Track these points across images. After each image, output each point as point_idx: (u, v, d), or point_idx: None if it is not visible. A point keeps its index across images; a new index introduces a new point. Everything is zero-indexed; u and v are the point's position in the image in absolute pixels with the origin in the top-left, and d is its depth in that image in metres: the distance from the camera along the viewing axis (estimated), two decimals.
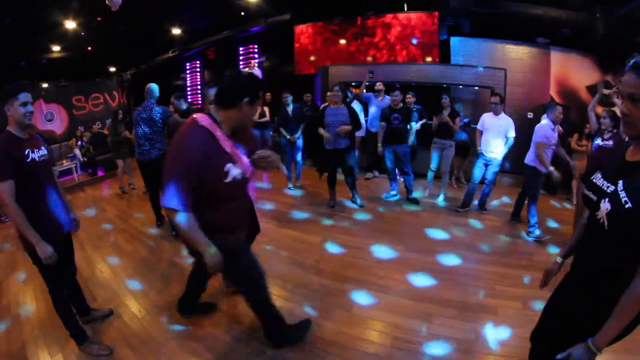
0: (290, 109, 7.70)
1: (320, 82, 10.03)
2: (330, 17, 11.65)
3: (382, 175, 8.58)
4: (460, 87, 9.38)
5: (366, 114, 8.72)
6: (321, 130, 6.44)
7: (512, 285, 4.31)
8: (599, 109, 6.16)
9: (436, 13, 10.36)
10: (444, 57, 10.24)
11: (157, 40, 14.49)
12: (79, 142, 13.03)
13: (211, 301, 3.89)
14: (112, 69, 17.31)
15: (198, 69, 15.93)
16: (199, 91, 15.95)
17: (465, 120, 7.35)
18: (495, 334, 3.42)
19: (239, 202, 2.74)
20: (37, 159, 2.91)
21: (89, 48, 14.16)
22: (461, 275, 4.56)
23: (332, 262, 4.80)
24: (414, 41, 10.59)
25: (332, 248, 5.25)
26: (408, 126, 7.05)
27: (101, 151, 11.53)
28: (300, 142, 7.83)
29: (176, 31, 13.65)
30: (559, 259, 2.20)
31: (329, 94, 6.64)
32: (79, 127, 14.39)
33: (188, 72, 16.22)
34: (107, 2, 6.28)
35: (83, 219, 6.36)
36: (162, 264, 4.88)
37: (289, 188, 8.03)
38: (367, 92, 8.59)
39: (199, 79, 15.98)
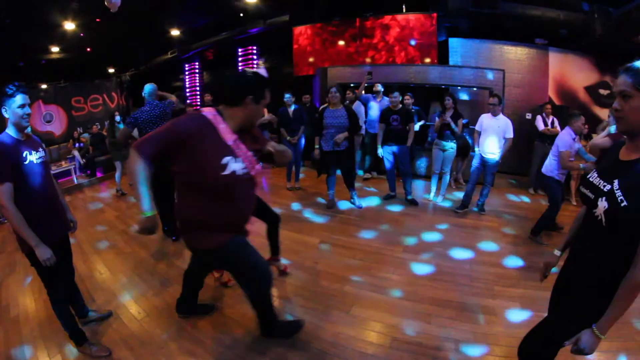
0: (291, 110, 7.70)
1: (319, 84, 10.03)
2: (328, 19, 11.67)
3: (381, 176, 8.59)
4: (459, 88, 9.39)
5: (365, 115, 8.73)
6: (316, 142, 6.51)
7: (511, 285, 4.33)
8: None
9: (434, 14, 10.39)
10: (443, 58, 10.26)
11: (156, 42, 14.54)
12: (76, 144, 13.02)
13: (211, 302, 3.90)
14: (111, 70, 17.35)
15: (197, 70, 15.97)
16: (198, 92, 15.94)
17: (464, 121, 7.36)
18: (494, 335, 3.43)
19: (243, 201, 2.71)
20: (36, 161, 2.91)
21: (88, 49, 14.18)
22: (460, 275, 4.56)
23: (331, 263, 4.80)
24: (413, 42, 10.62)
25: (330, 249, 5.26)
26: (407, 127, 7.05)
27: (100, 152, 11.53)
28: (301, 144, 7.83)
29: (175, 32, 13.68)
30: (557, 252, 2.32)
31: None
32: (77, 129, 14.40)
33: (187, 73, 16.26)
34: (106, 3, 6.26)
35: (82, 221, 6.41)
36: (161, 266, 4.88)
37: (288, 188, 8.04)
38: (365, 93, 8.60)
39: (197, 80, 16.00)
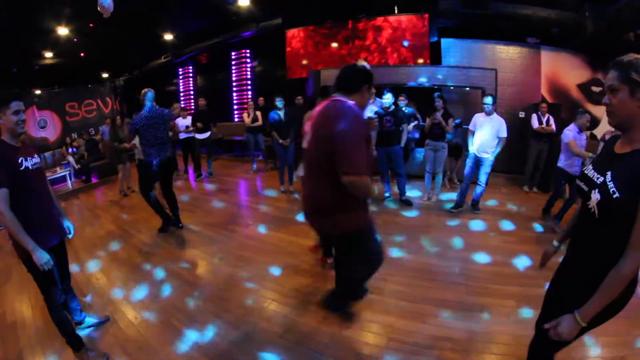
0: (282, 113, 7.72)
1: (312, 86, 10.05)
2: (321, 21, 11.72)
3: (375, 177, 8.61)
4: (451, 88, 9.42)
5: None
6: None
7: (506, 283, 4.35)
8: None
9: (426, 15, 10.45)
10: (435, 58, 10.31)
11: (149, 46, 14.54)
12: (70, 150, 13.00)
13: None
14: (105, 75, 17.33)
15: (191, 74, 15.96)
16: (192, 96, 15.95)
17: (457, 121, 7.40)
18: (490, 333, 3.45)
19: None
20: (31, 167, 2.92)
21: (82, 54, 14.16)
22: (455, 275, 4.59)
23: (326, 264, 4.81)
24: (405, 43, 10.66)
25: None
26: (400, 128, 7.08)
27: (95, 158, 11.51)
28: (293, 146, 7.85)
29: (169, 37, 13.70)
30: (555, 243, 2.37)
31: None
32: (72, 134, 14.37)
33: (181, 77, 16.25)
34: (98, 8, 6.27)
35: (77, 226, 6.37)
36: (157, 271, 4.89)
37: (282, 191, 8.06)
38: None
39: (191, 85, 15.99)
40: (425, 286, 4.31)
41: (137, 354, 3.27)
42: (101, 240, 6.10)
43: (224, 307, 3.96)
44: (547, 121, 8.29)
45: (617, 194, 1.65)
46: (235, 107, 14.45)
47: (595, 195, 1.75)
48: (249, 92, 14.13)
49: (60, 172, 10.67)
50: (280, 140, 7.70)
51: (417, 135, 7.26)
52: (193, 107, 15.09)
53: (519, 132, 9.29)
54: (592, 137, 8.16)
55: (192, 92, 15.99)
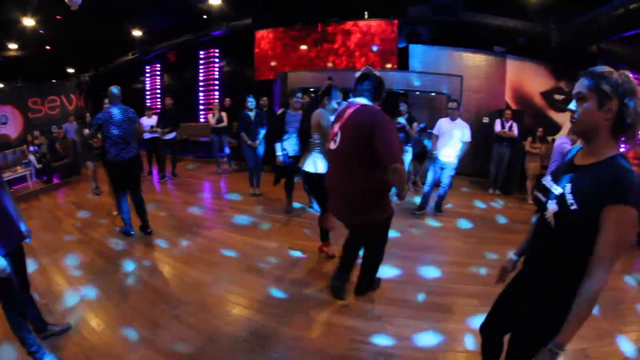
0: (253, 114, 7.65)
1: (279, 88, 10.03)
2: (291, 23, 11.72)
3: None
4: (418, 93, 9.52)
5: None
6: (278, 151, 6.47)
7: (468, 283, 4.41)
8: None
9: (396, 21, 10.55)
10: (403, 64, 10.40)
11: (117, 42, 14.25)
12: (31, 148, 12.48)
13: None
14: (71, 71, 16.94)
15: (158, 73, 15.71)
16: (159, 95, 15.72)
17: (422, 125, 7.48)
18: (453, 332, 3.49)
19: None
20: None
21: (48, 47, 13.82)
22: (417, 275, 4.62)
23: (290, 267, 4.78)
24: (374, 48, 10.73)
25: (290, 253, 5.22)
26: None
27: (57, 157, 11.15)
28: (261, 148, 7.79)
29: (137, 33, 13.46)
30: (514, 257, 2.33)
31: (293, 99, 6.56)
32: (34, 132, 13.84)
33: (148, 75, 15.97)
34: (66, 0, 6.11)
35: (38, 229, 6.25)
36: (119, 275, 4.77)
37: (251, 194, 7.98)
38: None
39: (158, 83, 15.75)
40: (387, 287, 4.31)
41: None
42: (62, 244, 5.87)
43: (188, 312, 3.87)
44: (510, 127, 8.52)
45: (574, 206, 1.65)
46: (201, 107, 14.29)
47: (553, 206, 1.73)
48: (216, 93, 14.00)
49: (20, 171, 10.26)
50: (249, 142, 7.62)
51: None
52: (159, 106, 14.80)
53: (483, 137, 9.45)
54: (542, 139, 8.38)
55: (159, 91, 15.73)
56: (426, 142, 8.33)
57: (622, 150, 1.74)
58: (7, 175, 8.59)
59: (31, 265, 4.75)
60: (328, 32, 11.26)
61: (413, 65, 10.15)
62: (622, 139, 1.70)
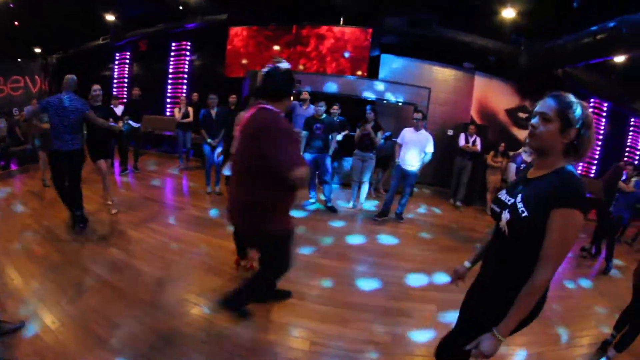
0: (215, 111, 7.58)
1: (248, 86, 9.98)
2: (266, 23, 11.67)
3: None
4: (385, 102, 9.62)
5: (290, 121, 8.74)
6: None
7: (426, 289, 4.53)
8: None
9: (370, 30, 10.65)
10: (373, 72, 10.50)
11: (89, 24, 13.85)
12: None
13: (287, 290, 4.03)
14: (38, 51, 16.45)
15: (127, 61, 15.37)
16: (126, 84, 15.41)
17: (387, 133, 7.57)
18: (411, 336, 3.56)
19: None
20: None
21: (16, 23, 13.37)
22: (376, 280, 4.68)
23: (248, 269, 4.74)
24: (346, 54, 10.80)
25: (248, 253, 5.22)
26: (330, 136, 7.15)
27: (16, 142, 10.74)
28: (220, 147, 7.68)
29: (110, 17, 13.16)
30: (467, 264, 2.44)
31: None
32: None
33: (117, 62, 15.57)
34: None
35: None
36: (75, 271, 4.59)
37: (207, 192, 7.91)
38: (292, 100, 8.62)
39: (127, 71, 15.43)
40: (347, 291, 4.38)
41: None
42: (17, 236, 5.60)
43: (146, 311, 3.76)
44: (474, 141, 8.74)
45: (525, 213, 1.77)
46: (168, 100, 14.07)
47: (505, 215, 1.86)
48: (184, 87, 13.84)
49: None
50: (209, 140, 7.57)
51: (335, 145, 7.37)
52: (126, 96, 14.48)
53: (447, 148, 9.63)
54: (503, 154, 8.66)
55: (126, 80, 15.35)
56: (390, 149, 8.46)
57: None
58: None
59: None
60: (302, 35, 11.27)
61: (383, 74, 10.26)
62: (572, 159, 1.85)
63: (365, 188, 7.60)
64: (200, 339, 3.41)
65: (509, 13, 9.24)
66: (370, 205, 7.89)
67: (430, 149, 6.71)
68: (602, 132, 11.74)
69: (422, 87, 9.57)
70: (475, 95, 10.78)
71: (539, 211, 1.74)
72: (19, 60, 15.42)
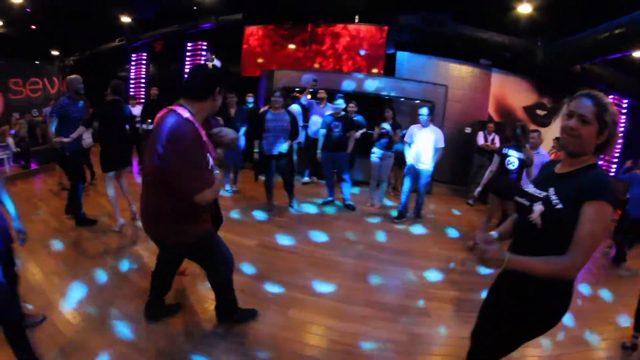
0: (233, 110, 7.60)
1: (264, 86, 10.00)
2: (281, 22, 11.70)
3: (321, 181, 8.65)
4: (402, 99, 9.58)
5: (307, 120, 8.74)
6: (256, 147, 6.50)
7: (444, 288, 4.49)
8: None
9: (385, 27, 10.61)
10: (389, 70, 10.46)
11: (104, 27, 14.01)
12: (12, 131, 12.13)
13: (176, 302, 3.82)
14: (55, 53, 16.63)
15: (144, 62, 15.51)
16: (143, 84, 15.53)
17: (404, 131, 7.52)
18: (429, 335, 3.54)
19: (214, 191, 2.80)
20: None
21: (33, 27, 13.54)
22: (395, 279, 4.68)
23: (268, 265, 4.75)
24: (362, 52, 10.77)
25: (268, 252, 5.21)
26: (348, 134, 7.12)
27: (36, 142, 10.92)
28: (241, 145, 7.73)
29: (126, 19, 13.28)
30: (495, 234, 2.30)
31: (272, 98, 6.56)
32: (14, 115, 13.47)
33: (133, 63, 15.72)
34: None
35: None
36: (96, 267, 4.67)
37: (227, 190, 7.93)
38: (309, 99, 8.62)
39: (144, 72, 15.56)
40: (365, 289, 4.37)
41: (75, 356, 3.11)
42: (38, 233, 5.67)
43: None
44: (492, 139, 8.64)
45: (559, 205, 1.81)
46: None
47: (539, 207, 1.87)
48: None
49: None
50: None
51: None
52: (144, 96, 14.63)
53: (464, 146, 9.56)
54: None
55: (143, 80, 15.51)
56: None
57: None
58: None
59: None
60: (317, 33, 11.30)
61: (399, 72, 10.22)
62: (598, 155, 1.90)
63: (383, 186, 7.58)
64: (218, 334, 3.42)
65: (525, 8, 9.09)
66: (389, 203, 7.85)
67: (441, 144, 6.60)
68: (622, 128, 11.52)
69: (439, 85, 9.50)
70: (492, 92, 10.68)
71: (572, 204, 1.77)
72: (37, 62, 15.60)
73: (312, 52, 11.35)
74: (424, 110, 6.60)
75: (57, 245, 5.21)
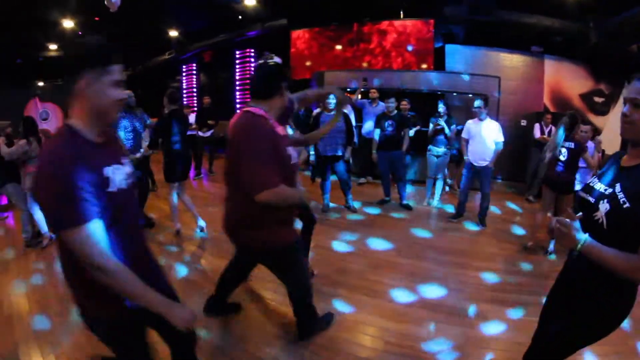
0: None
1: (315, 88, 10.07)
2: (326, 23, 11.77)
3: (376, 181, 8.62)
4: (455, 94, 9.45)
5: (360, 120, 8.75)
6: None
7: (503, 291, 4.38)
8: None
9: (432, 21, 10.50)
10: (439, 64, 10.33)
11: (153, 42, 14.52)
12: None
13: (237, 301, 3.89)
14: None
15: (194, 72, 15.94)
16: (195, 94, 15.92)
17: (459, 127, 7.40)
18: (485, 338, 3.48)
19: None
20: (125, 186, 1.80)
21: None
22: (452, 280, 4.60)
23: (325, 266, 4.81)
24: (409, 48, 10.69)
25: (324, 252, 5.27)
26: (402, 133, 7.08)
27: None
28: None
29: (173, 33, 13.70)
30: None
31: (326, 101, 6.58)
32: None
33: (184, 74, 16.21)
34: (105, 2, 6.29)
35: None
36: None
37: None
38: (361, 98, 8.63)
39: (194, 82, 15.98)
40: (422, 290, 4.33)
41: None
42: None
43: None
44: (550, 131, 8.30)
45: (627, 204, 1.66)
46: (238, 106, 14.39)
47: (604, 205, 1.74)
48: None
49: None
50: None
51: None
52: (196, 105, 15.02)
53: (521, 140, 9.32)
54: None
55: (195, 90, 15.95)
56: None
57: None
58: None
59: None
60: (364, 32, 11.28)
61: (449, 66, 10.07)
62: None
63: (439, 185, 7.48)
64: (273, 333, 3.50)
65: None
66: (446, 202, 7.74)
67: (500, 138, 6.20)
68: None
69: (491, 77, 9.33)
70: (546, 80, 10.30)
71: None
72: None
73: (360, 51, 11.34)
74: (478, 102, 6.30)
75: None
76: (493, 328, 3.64)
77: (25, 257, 5.19)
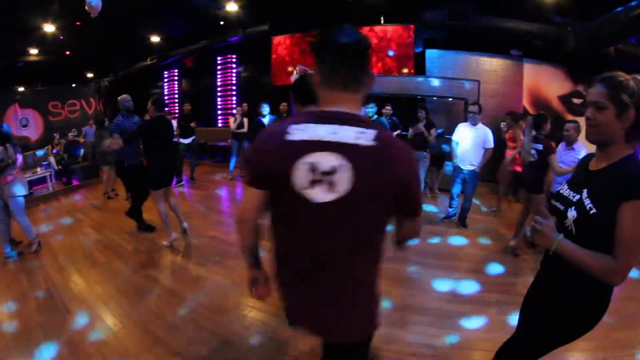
0: (267, 120, 7.71)
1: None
2: (307, 29, 11.76)
3: None
4: (435, 98, 9.53)
5: None
6: None
7: (485, 291, 4.45)
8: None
9: (412, 26, 10.56)
10: (420, 69, 10.40)
11: (135, 48, 14.43)
12: (54, 150, 12.77)
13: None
14: (90, 75, 17.15)
15: (176, 78, 15.86)
16: (177, 100, 15.86)
17: (439, 130, 7.46)
18: (472, 340, 3.52)
19: None
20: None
21: (67, 52, 14.01)
22: (435, 282, 4.65)
23: None
24: (390, 53, 10.75)
25: None
26: None
27: (75, 160, 11.43)
28: None
29: (155, 39, 13.64)
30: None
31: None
32: (55, 135, 14.06)
33: (166, 80, 16.13)
34: (86, 7, 6.27)
35: (56, 230, 6.43)
36: (136, 276, 4.85)
37: None
38: None
39: (176, 88, 15.91)
40: (404, 294, 4.36)
41: None
42: (80, 244, 6.02)
43: (205, 314, 3.95)
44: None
45: (593, 210, 1.68)
46: (219, 112, 14.45)
47: (572, 213, 1.77)
48: (234, 98, 14.13)
49: (40, 173, 10.44)
50: None
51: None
52: (177, 111, 14.92)
53: (502, 142, 9.42)
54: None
55: (176, 96, 15.87)
56: (444, 147, 8.29)
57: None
58: (28, 177, 8.76)
59: (49, 264, 5.16)
60: None
61: (430, 70, 10.14)
62: (636, 143, 1.73)
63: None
64: (258, 342, 3.53)
65: None
66: (427, 205, 7.77)
67: (490, 144, 6.23)
68: None
69: (471, 80, 9.41)
70: (525, 83, 10.44)
71: (608, 207, 1.64)
72: (74, 85, 16.17)
73: None
74: (474, 108, 6.32)
75: (98, 255, 5.48)
76: (478, 331, 3.69)
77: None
